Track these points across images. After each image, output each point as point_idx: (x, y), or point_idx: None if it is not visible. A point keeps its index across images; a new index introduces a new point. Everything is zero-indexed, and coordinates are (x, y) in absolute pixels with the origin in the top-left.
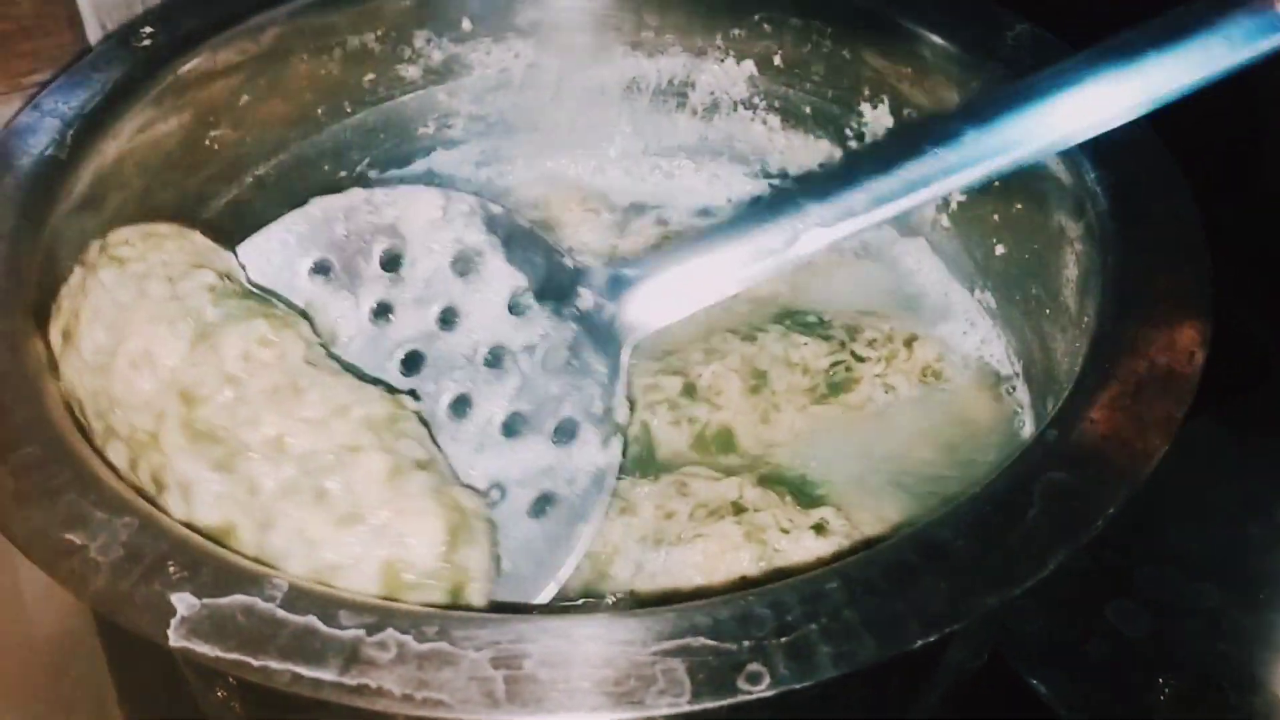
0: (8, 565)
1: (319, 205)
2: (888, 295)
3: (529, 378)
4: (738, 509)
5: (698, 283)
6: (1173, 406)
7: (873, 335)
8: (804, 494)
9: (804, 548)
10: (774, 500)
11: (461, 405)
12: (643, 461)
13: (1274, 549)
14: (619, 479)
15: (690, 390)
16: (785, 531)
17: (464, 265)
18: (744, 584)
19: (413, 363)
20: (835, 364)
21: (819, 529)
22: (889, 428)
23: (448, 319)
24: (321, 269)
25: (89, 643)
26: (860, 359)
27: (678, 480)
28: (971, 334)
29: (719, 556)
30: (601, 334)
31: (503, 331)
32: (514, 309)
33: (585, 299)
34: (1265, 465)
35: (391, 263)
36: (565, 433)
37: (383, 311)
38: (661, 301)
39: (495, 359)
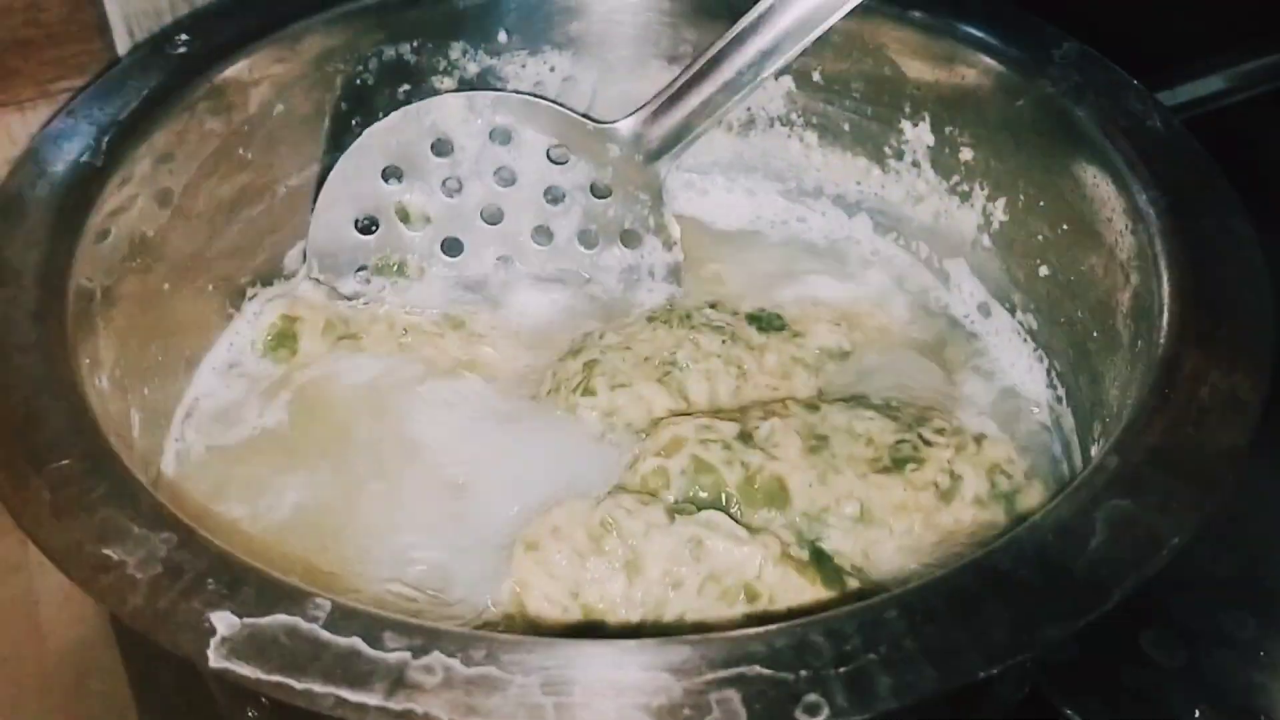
0: (22, 576)
1: (369, 134)
2: (925, 318)
3: (588, 206)
4: (751, 595)
5: (698, 110)
6: (1237, 434)
7: (941, 425)
8: (835, 578)
9: None
10: (794, 584)
11: (542, 233)
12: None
13: None
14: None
15: (746, 437)
16: None
17: (502, 136)
18: None
19: (493, 216)
20: (901, 441)
21: None
22: (951, 518)
23: (505, 178)
24: (393, 174)
25: (108, 655)
26: (928, 443)
27: (695, 537)
28: (1014, 357)
29: None
30: (635, 167)
31: (553, 176)
32: (555, 160)
33: (612, 148)
34: None
35: (443, 151)
36: (633, 239)
37: (452, 188)
38: (675, 130)
39: (555, 198)
